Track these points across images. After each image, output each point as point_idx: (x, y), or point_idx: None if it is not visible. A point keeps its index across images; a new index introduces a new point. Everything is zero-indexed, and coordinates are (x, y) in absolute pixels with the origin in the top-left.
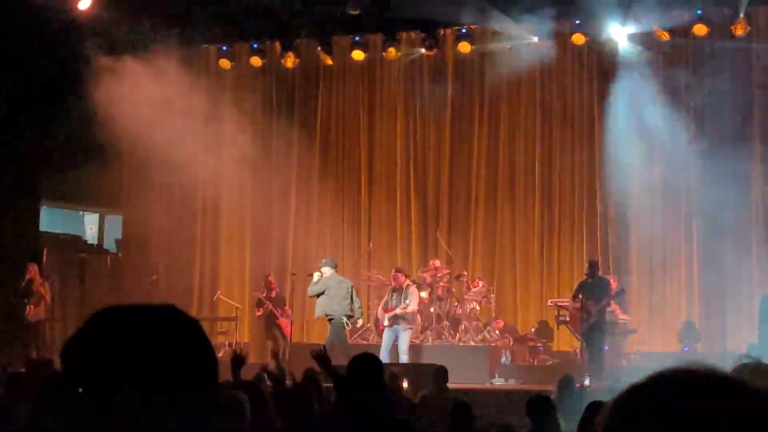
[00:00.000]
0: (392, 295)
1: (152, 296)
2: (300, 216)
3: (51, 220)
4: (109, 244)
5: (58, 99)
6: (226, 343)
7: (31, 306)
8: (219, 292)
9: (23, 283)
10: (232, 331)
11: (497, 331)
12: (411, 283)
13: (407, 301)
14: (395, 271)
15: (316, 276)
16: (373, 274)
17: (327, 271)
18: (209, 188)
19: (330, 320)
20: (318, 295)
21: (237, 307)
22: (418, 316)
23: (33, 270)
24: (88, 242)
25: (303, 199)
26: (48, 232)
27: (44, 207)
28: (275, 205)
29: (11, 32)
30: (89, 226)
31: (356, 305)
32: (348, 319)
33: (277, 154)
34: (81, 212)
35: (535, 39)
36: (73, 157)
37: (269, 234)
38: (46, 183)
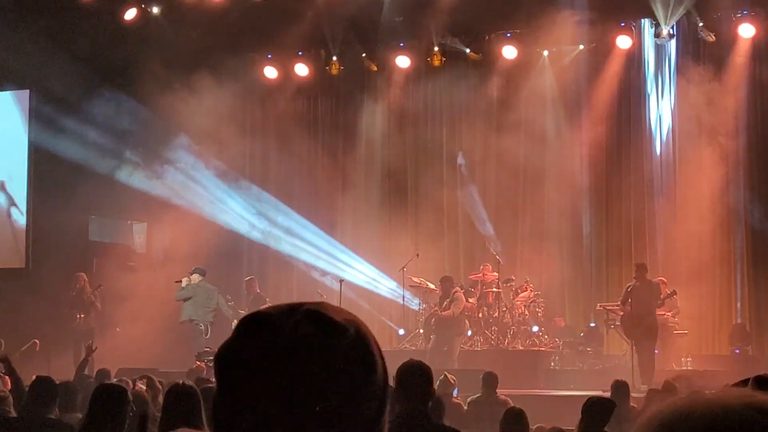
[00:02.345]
0: (440, 302)
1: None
2: (346, 223)
3: (100, 229)
4: (157, 253)
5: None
6: None
7: (82, 315)
8: (267, 300)
9: (74, 293)
10: None
11: (546, 336)
12: (459, 290)
13: (452, 304)
14: (442, 279)
15: (184, 282)
16: (422, 281)
17: (196, 278)
18: (257, 188)
19: (196, 325)
20: (184, 300)
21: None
22: (467, 322)
23: (83, 279)
24: (137, 251)
25: (349, 206)
26: (97, 242)
27: (93, 217)
28: (321, 213)
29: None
30: (137, 234)
31: (228, 311)
32: (210, 326)
33: (323, 162)
34: (129, 221)
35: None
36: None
37: (317, 238)
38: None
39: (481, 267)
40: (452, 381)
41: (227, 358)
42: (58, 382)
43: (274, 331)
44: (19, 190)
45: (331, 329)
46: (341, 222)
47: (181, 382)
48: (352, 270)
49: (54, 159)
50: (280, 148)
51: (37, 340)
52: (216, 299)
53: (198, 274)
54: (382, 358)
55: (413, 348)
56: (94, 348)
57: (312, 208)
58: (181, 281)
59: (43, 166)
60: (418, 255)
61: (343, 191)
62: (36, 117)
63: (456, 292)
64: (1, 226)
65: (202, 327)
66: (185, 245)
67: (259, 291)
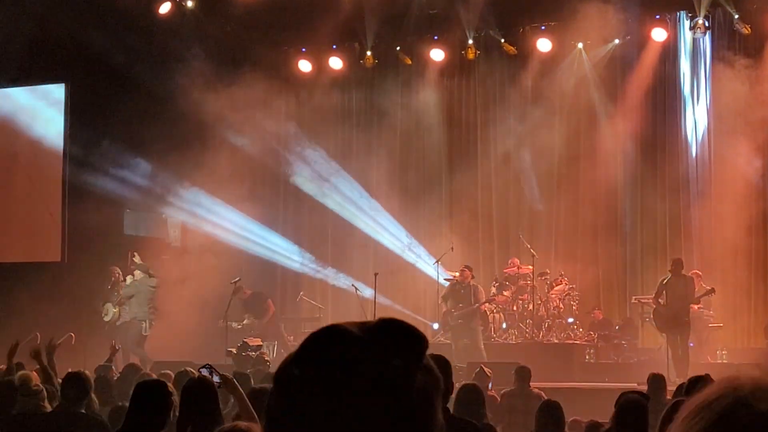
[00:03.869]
0: (458, 291)
1: (236, 298)
2: (381, 217)
3: (135, 223)
4: (192, 247)
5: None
6: None
7: (117, 309)
8: (302, 293)
9: (108, 287)
10: None
11: (581, 330)
12: (476, 284)
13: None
14: (464, 267)
15: (129, 279)
16: (457, 276)
17: (138, 274)
18: (290, 190)
19: (139, 322)
20: (128, 298)
21: (320, 308)
22: (501, 315)
23: (117, 273)
24: (172, 245)
25: (383, 201)
26: (132, 236)
27: (128, 211)
28: (356, 205)
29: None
30: (172, 228)
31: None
32: (150, 323)
33: (357, 156)
34: (164, 215)
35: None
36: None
37: (351, 235)
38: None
39: (510, 261)
40: (489, 374)
41: (295, 372)
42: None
43: (352, 343)
44: (55, 183)
45: (411, 346)
46: (374, 215)
47: (196, 376)
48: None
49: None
50: (313, 141)
51: (72, 334)
52: (154, 296)
53: (141, 271)
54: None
55: (447, 342)
56: (117, 347)
57: (345, 201)
58: (125, 278)
59: (79, 161)
60: (452, 248)
61: (377, 186)
62: (72, 110)
63: (474, 284)
64: (37, 219)
65: (144, 325)
66: (220, 239)
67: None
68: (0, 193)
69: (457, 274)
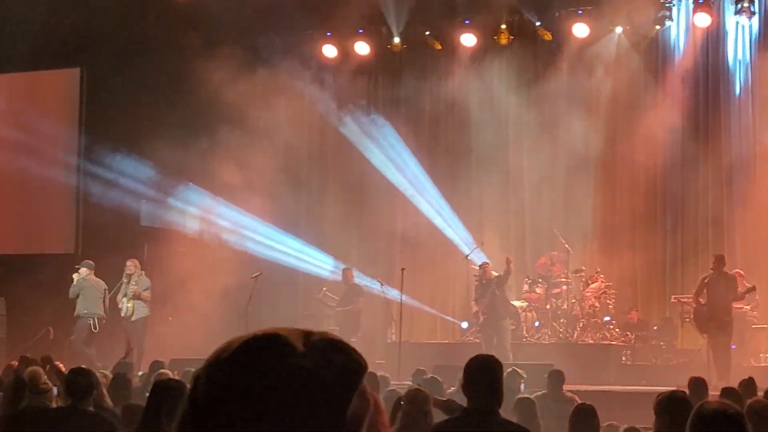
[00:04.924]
0: (481, 287)
1: (254, 293)
2: (408, 208)
3: (152, 213)
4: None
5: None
6: None
7: (132, 302)
8: (325, 288)
9: (125, 280)
10: (338, 329)
11: (617, 330)
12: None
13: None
14: (485, 264)
15: (75, 277)
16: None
17: (84, 272)
18: (314, 180)
19: (78, 318)
20: (77, 296)
21: None
22: (533, 313)
23: (134, 265)
24: (189, 237)
25: (410, 192)
26: (149, 227)
27: (144, 201)
28: (384, 198)
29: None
30: (190, 219)
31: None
32: (99, 320)
33: (383, 145)
34: (181, 206)
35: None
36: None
37: (377, 227)
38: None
39: (543, 256)
40: (522, 375)
41: (226, 371)
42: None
43: (287, 352)
44: (69, 171)
45: (344, 359)
46: (402, 207)
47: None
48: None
49: (104, 141)
50: (339, 127)
51: (50, 328)
52: (105, 294)
53: (86, 268)
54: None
55: (477, 341)
56: (132, 346)
57: (371, 194)
58: (72, 277)
59: (93, 148)
60: (483, 243)
61: (403, 177)
62: (86, 95)
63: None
64: (51, 210)
65: (91, 322)
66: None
67: (356, 281)
68: (12, 182)
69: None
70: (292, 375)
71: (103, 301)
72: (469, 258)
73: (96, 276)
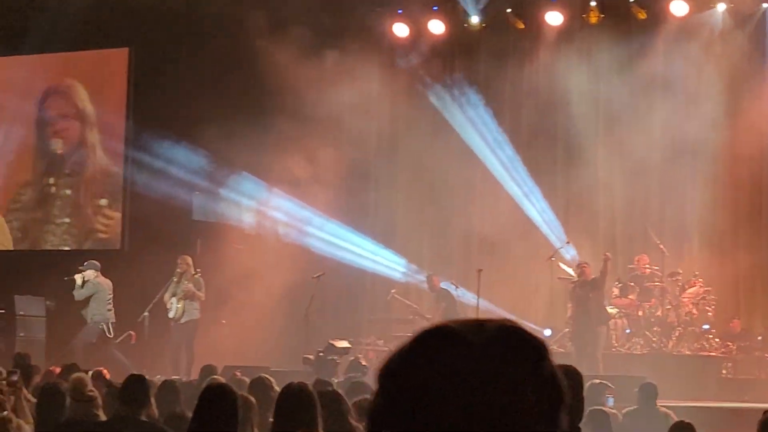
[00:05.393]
0: (580, 290)
1: (316, 294)
2: (486, 204)
3: (205, 207)
4: (269, 235)
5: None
6: None
7: (182, 303)
8: (394, 290)
9: (175, 279)
10: (408, 336)
11: (717, 340)
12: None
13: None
14: (583, 264)
15: (79, 279)
16: (571, 274)
17: (92, 273)
18: (383, 172)
19: (97, 325)
20: (87, 299)
21: (414, 308)
22: (624, 320)
23: (186, 263)
24: (246, 232)
25: (490, 182)
26: (202, 221)
27: (197, 193)
28: (459, 191)
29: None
30: (247, 213)
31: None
32: (112, 325)
33: (459, 133)
34: (237, 198)
35: None
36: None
37: (451, 224)
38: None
39: (636, 258)
40: (608, 387)
41: (401, 372)
42: (160, 381)
43: (463, 347)
44: (116, 158)
45: (531, 352)
46: (480, 202)
47: (294, 382)
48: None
49: (154, 127)
50: (411, 113)
51: (132, 332)
52: (111, 296)
53: (93, 270)
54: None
55: (561, 350)
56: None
57: (445, 187)
58: (73, 278)
59: (142, 137)
60: (568, 242)
61: (480, 169)
62: (135, 77)
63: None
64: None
65: (105, 327)
66: (299, 226)
67: (442, 286)
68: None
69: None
70: (462, 367)
71: (111, 303)
72: (553, 258)
73: (141, 275)
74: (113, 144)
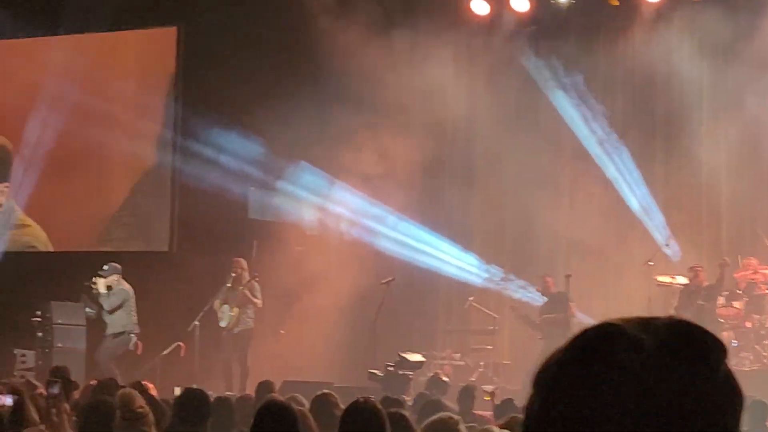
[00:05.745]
0: (686, 296)
1: (386, 302)
2: (575, 201)
3: (262, 204)
4: (333, 236)
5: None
6: (481, 363)
7: (236, 310)
8: (471, 298)
9: (228, 284)
10: (488, 349)
11: None
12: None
13: None
14: (697, 267)
15: (102, 285)
16: (673, 281)
17: (114, 278)
18: (459, 165)
19: (119, 335)
20: (117, 308)
21: (494, 318)
22: (731, 332)
23: (240, 266)
24: (307, 233)
25: (581, 177)
26: (258, 220)
27: (253, 189)
28: (544, 188)
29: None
30: (309, 211)
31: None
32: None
33: (546, 122)
34: (298, 194)
35: None
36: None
37: (535, 225)
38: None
39: (743, 263)
40: None
41: (564, 374)
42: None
43: (634, 347)
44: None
45: (707, 353)
46: (568, 199)
47: (361, 399)
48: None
49: (204, 114)
50: (491, 101)
51: (181, 343)
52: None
53: (117, 274)
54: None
55: None
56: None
57: (531, 179)
58: (95, 284)
59: (191, 124)
60: (667, 244)
61: (574, 156)
62: (183, 57)
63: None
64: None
65: (133, 339)
66: (366, 225)
67: (556, 290)
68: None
69: (672, 281)
70: (629, 367)
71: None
72: (651, 263)
73: (191, 280)
74: (160, 132)
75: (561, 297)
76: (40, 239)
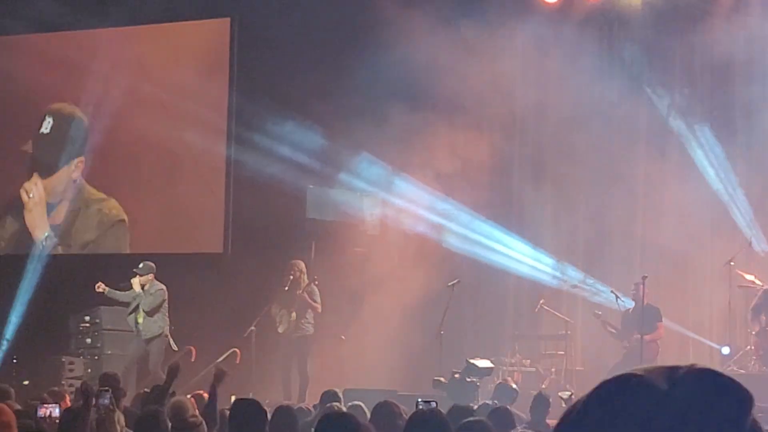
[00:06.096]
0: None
1: (452, 306)
2: (652, 198)
3: (320, 203)
4: (397, 236)
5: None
6: (552, 370)
7: (294, 315)
8: (542, 300)
9: (285, 287)
10: (559, 354)
11: None
12: None
13: None
14: None
15: (137, 285)
16: (755, 281)
17: (150, 278)
18: (530, 160)
19: (158, 337)
20: (156, 310)
21: (567, 322)
22: None
23: (298, 269)
24: (368, 233)
25: (656, 176)
26: (316, 220)
27: (311, 187)
28: (620, 184)
29: None
30: (369, 212)
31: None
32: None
33: (621, 110)
34: (359, 193)
35: None
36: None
37: (609, 223)
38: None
39: None
40: None
41: (583, 424)
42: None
43: (653, 396)
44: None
45: (726, 392)
46: (645, 196)
47: (425, 406)
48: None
49: (260, 109)
50: (562, 92)
51: (237, 349)
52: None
53: (152, 273)
54: None
55: (742, 371)
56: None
57: (604, 175)
58: (131, 285)
59: (246, 116)
60: (750, 243)
61: (650, 153)
62: (237, 50)
63: None
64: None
65: (169, 340)
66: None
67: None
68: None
69: (755, 281)
70: (652, 421)
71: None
72: (732, 263)
73: (247, 283)
74: (216, 123)
75: (653, 312)
76: (120, 209)
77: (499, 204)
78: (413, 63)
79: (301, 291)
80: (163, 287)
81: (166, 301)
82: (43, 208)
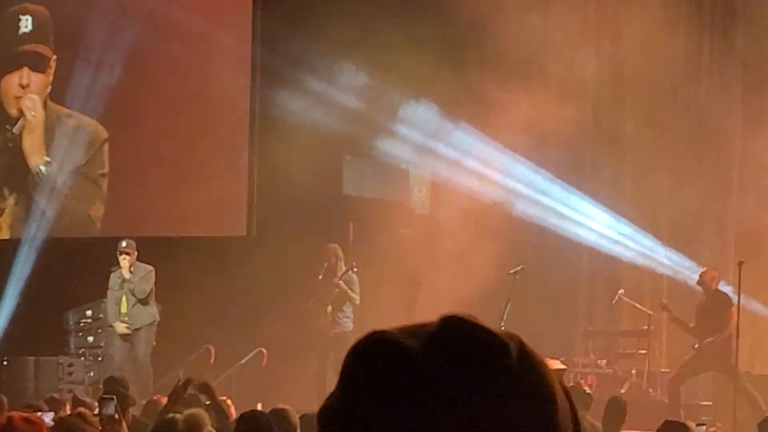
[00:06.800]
0: None
1: (515, 296)
2: (750, 171)
3: (359, 178)
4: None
5: None
6: (633, 372)
7: (331, 309)
8: (621, 290)
9: (320, 277)
10: (643, 353)
11: None
12: None
13: None
14: None
15: (126, 267)
16: None
17: (135, 259)
18: (606, 120)
19: (140, 329)
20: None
21: (650, 315)
22: None
23: (335, 255)
24: (416, 212)
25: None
26: (355, 197)
27: (349, 158)
28: (710, 156)
29: None
30: (417, 187)
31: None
32: None
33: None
34: (405, 166)
35: None
36: None
37: (703, 202)
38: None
39: None
40: None
41: (337, 407)
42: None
43: (397, 354)
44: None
45: (482, 346)
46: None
47: None
48: None
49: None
50: (644, 50)
51: (263, 349)
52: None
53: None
54: (566, 392)
55: None
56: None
57: (695, 145)
58: (120, 267)
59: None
60: None
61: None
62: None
63: None
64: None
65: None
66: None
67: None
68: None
69: None
70: (403, 379)
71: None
72: None
73: (273, 271)
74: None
75: (722, 299)
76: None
77: (574, 170)
78: (480, 21)
79: (337, 280)
80: (152, 268)
81: (154, 287)
82: (42, 129)
